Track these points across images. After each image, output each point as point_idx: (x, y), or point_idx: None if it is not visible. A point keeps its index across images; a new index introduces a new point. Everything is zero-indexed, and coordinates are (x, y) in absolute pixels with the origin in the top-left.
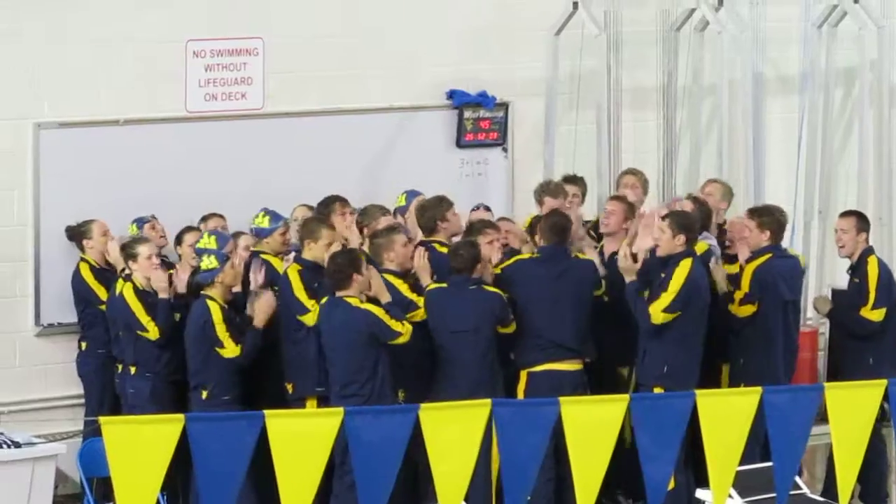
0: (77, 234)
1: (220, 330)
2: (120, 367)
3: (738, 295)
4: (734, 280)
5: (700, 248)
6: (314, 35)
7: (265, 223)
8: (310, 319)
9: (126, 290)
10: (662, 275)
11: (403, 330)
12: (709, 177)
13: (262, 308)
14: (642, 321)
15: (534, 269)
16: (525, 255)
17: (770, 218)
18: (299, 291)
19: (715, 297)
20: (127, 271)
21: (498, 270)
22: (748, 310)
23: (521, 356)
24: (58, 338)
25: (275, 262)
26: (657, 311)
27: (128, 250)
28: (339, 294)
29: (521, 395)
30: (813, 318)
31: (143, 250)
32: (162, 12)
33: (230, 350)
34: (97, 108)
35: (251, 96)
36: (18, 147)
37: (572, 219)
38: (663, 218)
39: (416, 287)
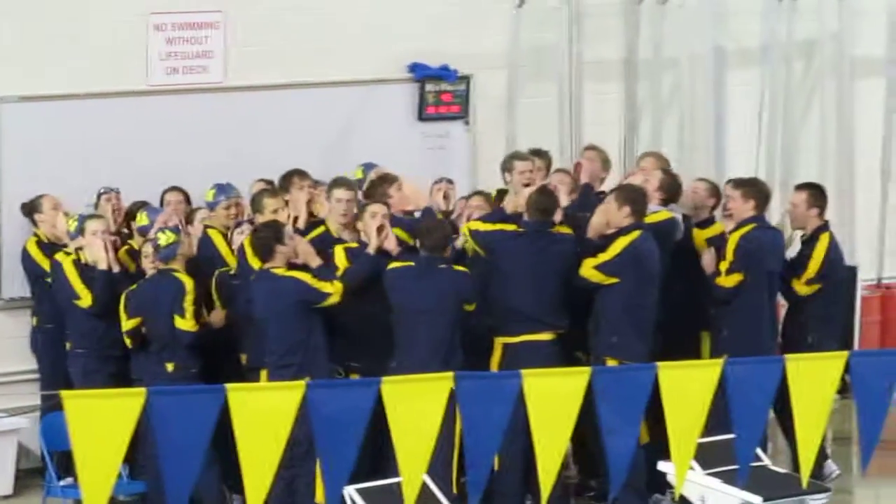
0: (29, 208)
1: (188, 302)
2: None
3: (724, 266)
4: (718, 250)
5: (662, 215)
6: (275, 8)
7: (210, 197)
8: None
9: (65, 262)
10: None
11: (333, 290)
12: (670, 149)
13: (218, 317)
14: (575, 278)
15: (516, 243)
16: (508, 227)
17: (754, 188)
18: (252, 261)
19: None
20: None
21: (483, 227)
22: (735, 278)
23: (498, 326)
24: (18, 311)
25: (216, 237)
26: (587, 266)
27: (78, 225)
28: (265, 266)
29: (495, 365)
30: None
31: (90, 226)
32: None
33: (188, 324)
34: (58, 82)
35: (212, 70)
36: None
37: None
38: (610, 192)
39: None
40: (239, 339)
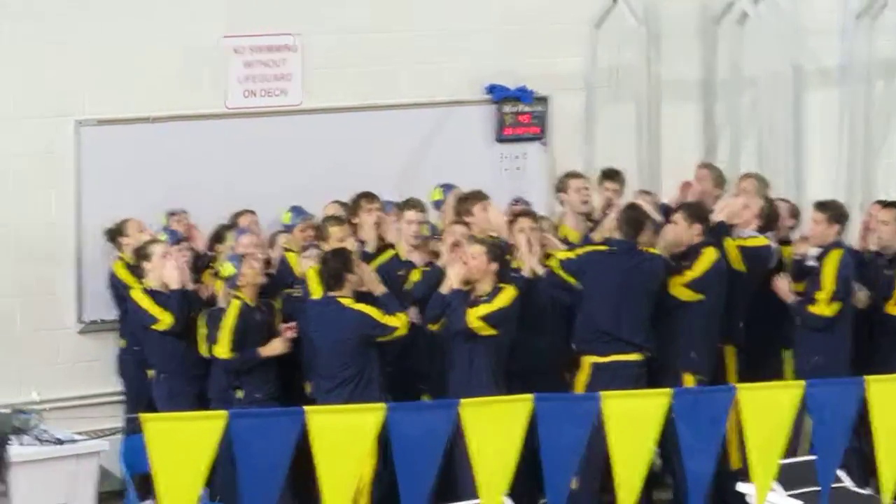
0: (114, 233)
1: (225, 328)
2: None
3: (823, 296)
4: (814, 280)
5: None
6: (353, 30)
7: (287, 220)
8: None
9: (134, 292)
10: (685, 263)
11: (399, 323)
12: (748, 170)
13: (273, 348)
14: (664, 297)
15: (607, 262)
16: (600, 247)
17: (838, 212)
18: (314, 289)
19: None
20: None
21: (573, 254)
22: (837, 307)
23: (586, 345)
24: (100, 335)
25: (292, 260)
26: (676, 284)
27: (141, 252)
28: (331, 294)
29: (581, 384)
30: None
31: (157, 249)
32: (201, 9)
33: (222, 351)
34: (137, 105)
35: (290, 92)
36: (58, 145)
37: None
38: (675, 211)
39: None
40: (306, 366)
